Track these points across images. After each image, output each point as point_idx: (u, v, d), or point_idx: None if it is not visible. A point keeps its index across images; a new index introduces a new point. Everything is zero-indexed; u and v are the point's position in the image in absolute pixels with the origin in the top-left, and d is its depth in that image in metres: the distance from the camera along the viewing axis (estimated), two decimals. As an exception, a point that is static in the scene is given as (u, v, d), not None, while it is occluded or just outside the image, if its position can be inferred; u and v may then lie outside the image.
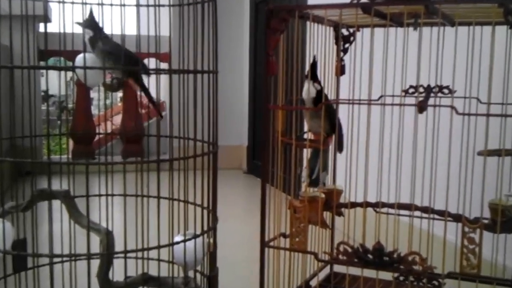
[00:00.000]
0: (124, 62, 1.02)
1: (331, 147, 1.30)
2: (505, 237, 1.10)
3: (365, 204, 1.11)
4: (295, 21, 1.09)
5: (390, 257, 1.03)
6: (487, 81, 0.98)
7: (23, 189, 1.09)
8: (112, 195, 1.23)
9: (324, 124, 1.16)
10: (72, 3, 1.15)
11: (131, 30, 1.12)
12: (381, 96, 1.14)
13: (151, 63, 1.18)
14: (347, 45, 1.34)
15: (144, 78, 1.12)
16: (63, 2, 1.12)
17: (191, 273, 1.12)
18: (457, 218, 1.08)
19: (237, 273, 1.66)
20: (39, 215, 1.10)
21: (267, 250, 1.17)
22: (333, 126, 1.23)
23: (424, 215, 1.15)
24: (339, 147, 1.25)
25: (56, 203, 1.06)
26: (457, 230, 1.05)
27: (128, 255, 1.04)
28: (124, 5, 1.03)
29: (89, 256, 0.98)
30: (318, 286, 1.28)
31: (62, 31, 1.04)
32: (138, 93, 1.19)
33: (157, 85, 1.05)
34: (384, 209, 1.18)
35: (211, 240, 1.12)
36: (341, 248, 1.07)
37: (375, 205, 1.17)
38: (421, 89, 1.18)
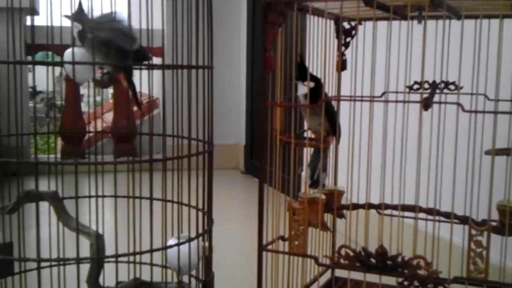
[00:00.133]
0: (115, 55, 1.02)
1: (332, 146, 1.30)
2: (514, 240, 1.10)
3: (368, 206, 1.11)
4: (293, 14, 1.09)
5: (394, 261, 1.03)
6: (495, 77, 0.97)
7: (9, 190, 1.08)
8: (103, 196, 1.23)
9: (324, 122, 1.16)
10: (61, -5, 1.14)
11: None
12: (384, 93, 1.14)
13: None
14: (348, 39, 1.34)
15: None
16: (51, -6, 1.12)
17: (185, 278, 1.12)
18: (463, 220, 1.08)
19: (233, 278, 1.66)
20: (26, 218, 1.10)
21: (265, 254, 1.17)
22: (333, 125, 1.23)
23: (429, 217, 1.15)
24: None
25: (44, 205, 1.05)
26: (463, 232, 1.05)
27: (120, 259, 1.04)
28: (114, -4, 1.02)
29: (78, 261, 0.97)
30: (319, 291, 1.28)
31: (50, 24, 1.03)
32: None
33: (149, 81, 1.05)
34: (388, 211, 1.18)
35: (206, 244, 1.12)
36: (343, 252, 1.06)
37: (378, 207, 1.17)
38: (426, 85, 1.18)
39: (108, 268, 1.09)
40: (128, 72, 1.10)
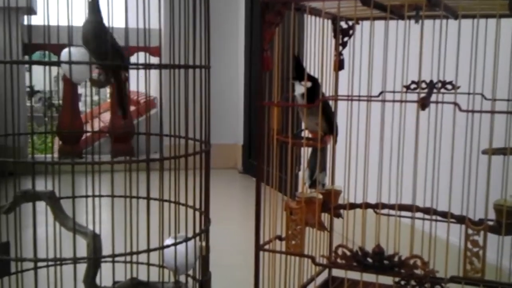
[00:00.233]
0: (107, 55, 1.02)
1: (329, 146, 1.30)
2: (511, 240, 1.11)
3: (365, 205, 1.11)
4: (291, 14, 1.09)
5: (391, 261, 1.03)
6: (492, 76, 0.98)
7: (6, 190, 1.08)
8: (100, 196, 1.23)
9: (321, 122, 1.16)
10: (58, -6, 1.14)
11: (119, 22, 1.12)
12: (381, 92, 1.15)
13: (141, 57, 1.17)
14: (346, 39, 1.34)
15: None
16: (48, -6, 1.12)
17: (182, 278, 1.12)
18: (460, 219, 1.09)
19: (230, 278, 1.66)
20: (23, 218, 1.10)
21: (262, 254, 1.17)
22: (330, 124, 1.24)
23: (426, 216, 1.15)
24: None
25: (41, 205, 1.05)
26: (460, 232, 1.06)
27: (116, 259, 1.04)
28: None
29: (75, 261, 0.97)
30: (316, 291, 1.28)
31: (47, 23, 1.03)
32: (130, 89, 1.18)
33: (146, 81, 1.05)
34: (385, 210, 1.18)
35: (204, 243, 1.12)
36: (340, 252, 1.07)
37: (375, 206, 1.17)
38: (423, 85, 1.18)
39: (105, 268, 1.09)
40: (116, 73, 1.10)
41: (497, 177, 1.01)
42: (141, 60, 1.13)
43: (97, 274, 1.05)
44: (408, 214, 1.13)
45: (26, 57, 3.17)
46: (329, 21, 1.33)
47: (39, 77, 1.20)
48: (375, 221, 1.10)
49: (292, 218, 1.14)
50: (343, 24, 1.33)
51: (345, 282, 1.33)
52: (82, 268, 1.03)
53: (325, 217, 1.29)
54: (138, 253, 1.02)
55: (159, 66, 1.08)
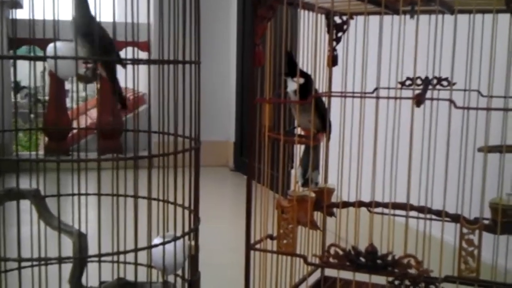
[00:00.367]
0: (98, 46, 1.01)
1: (322, 144, 1.30)
2: (506, 239, 1.11)
3: (358, 204, 1.11)
4: (283, 9, 1.09)
5: (384, 260, 1.03)
6: (488, 73, 0.98)
7: (-11, 188, 1.08)
8: (86, 194, 1.22)
9: (314, 119, 1.16)
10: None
11: (106, 16, 1.11)
12: (375, 89, 1.14)
13: (129, 52, 1.16)
14: (340, 34, 1.34)
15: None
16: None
17: (171, 278, 1.11)
18: (455, 218, 1.09)
19: (220, 277, 1.66)
20: (7, 216, 1.09)
21: (253, 253, 1.17)
22: (323, 121, 1.23)
23: (421, 215, 1.15)
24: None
25: (25, 203, 1.05)
26: (455, 231, 1.06)
27: (103, 258, 1.03)
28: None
29: (60, 260, 0.97)
30: (308, 291, 1.28)
31: (32, 17, 1.02)
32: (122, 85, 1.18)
33: (134, 76, 1.04)
34: (378, 209, 1.18)
35: (193, 243, 1.11)
36: (332, 251, 1.07)
37: (369, 205, 1.17)
38: (418, 81, 1.18)
39: (91, 268, 1.09)
40: (110, 68, 1.10)
41: (493, 175, 1.01)
42: (129, 55, 1.12)
43: (83, 274, 1.04)
44: (402, 212, 1.13)
45: (11, 52, 3.14)
46: (323, 16, 1.32)
47: (25, 72, 1.19)
48: (369, 219, 1.09)
49: (284, 217, 1.14)
50: (337, 19, 1.33)
51: (338, 282, 1.33)
52: (67, 268, 1.02)
53: (317, 215, 1.29)
54: (125, 252, 1.02)
55: (148, 62, 1.07)
